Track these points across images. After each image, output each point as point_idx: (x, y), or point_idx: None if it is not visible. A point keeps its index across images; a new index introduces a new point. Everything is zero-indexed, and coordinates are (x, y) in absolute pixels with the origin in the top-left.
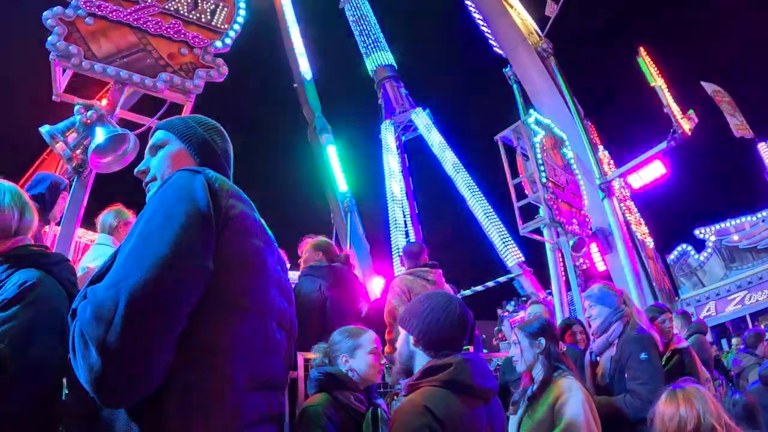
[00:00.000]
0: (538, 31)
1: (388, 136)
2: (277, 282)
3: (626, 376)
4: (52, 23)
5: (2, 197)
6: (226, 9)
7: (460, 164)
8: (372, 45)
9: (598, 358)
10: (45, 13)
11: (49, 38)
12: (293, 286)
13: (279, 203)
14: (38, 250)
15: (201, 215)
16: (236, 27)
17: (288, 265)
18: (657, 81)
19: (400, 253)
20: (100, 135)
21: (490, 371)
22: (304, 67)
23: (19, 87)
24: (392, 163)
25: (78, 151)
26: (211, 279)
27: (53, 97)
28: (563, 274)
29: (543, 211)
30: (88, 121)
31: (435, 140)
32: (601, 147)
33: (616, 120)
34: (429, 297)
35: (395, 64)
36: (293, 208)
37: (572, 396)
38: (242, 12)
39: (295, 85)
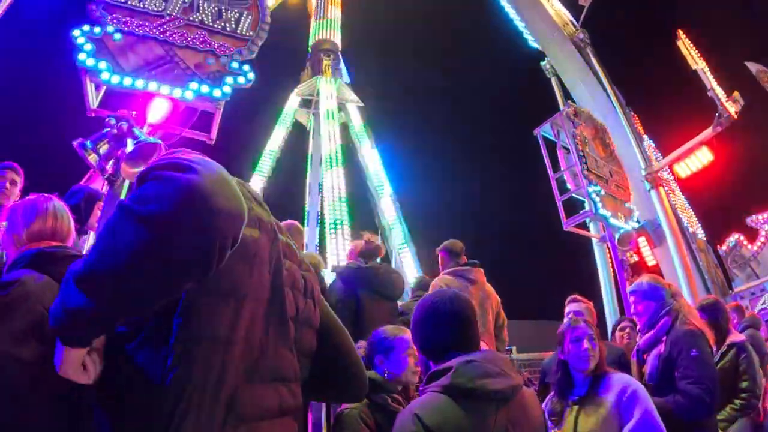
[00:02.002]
0: (573, 21)
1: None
2: (280, 272)
3: (676, 374)
4: (81, 41)
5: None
6: (250, 16)
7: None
8: None
9: (645, 356)
10: (74, 31)
11: (79, 55)
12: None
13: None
14: (41, 250)
15: None
16: (262, 34)
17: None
18: (699, 64)
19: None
20: (131, 146)
21: (507, 370)
22: (342, 72)
23: (65, 105)
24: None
25: (110, 162)
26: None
27: (87, 112)
28: (611, 269)
29: (587, 205)
30: (119, 133)
31: None
32: (645, 137)
33: (658, 108)
34: (420, 305)
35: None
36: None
37: (639, 388)
38: (267, 18)
39: None
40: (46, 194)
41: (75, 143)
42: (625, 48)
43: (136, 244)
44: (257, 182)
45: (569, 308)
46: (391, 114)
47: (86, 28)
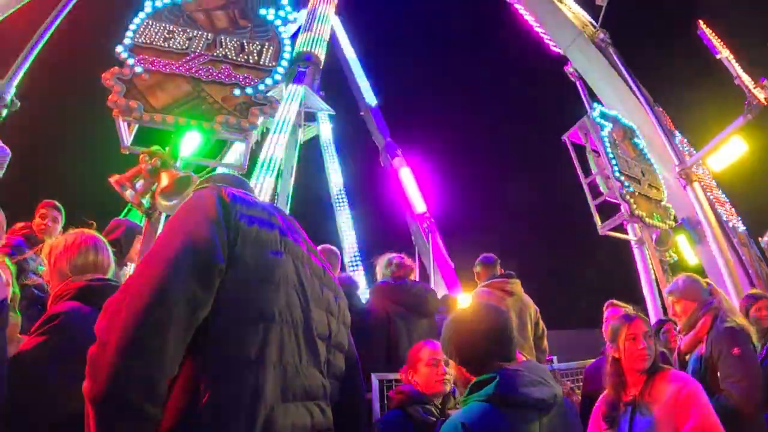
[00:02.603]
0: (593, 22)
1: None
2: (310, 294)
3: (718, 374)
4: (111, 83)
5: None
6: (272, 48)
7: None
8: None
9: (687, 358)
10: (103, 74)
11: (111, 96)
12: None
13: (358, 229)
14: (86, 284)
15: (216, 217)
16: (283, 63)
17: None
18: (723, 52)
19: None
20: (165, 179)
21: (548, 380)
22: (368, 94)
23: (102, 143)
24: None
25: (146, 197)
26: (235, 293)
27: (122, 150)
28: (651, 271)
29: (622, 207)
30: (153, 168)
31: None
32: (676, 132)
33: (686, 102)
34: (458, 319)
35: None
36: (373, 233)
37: (695, 387)
38: (287, 48)
39: (361, 113)
40: (86, 230)
41: (112, 179)
42: (647, 44)
43: None
44: None
45: (607, 314)
46: (414, 129)
47: (115, 70)
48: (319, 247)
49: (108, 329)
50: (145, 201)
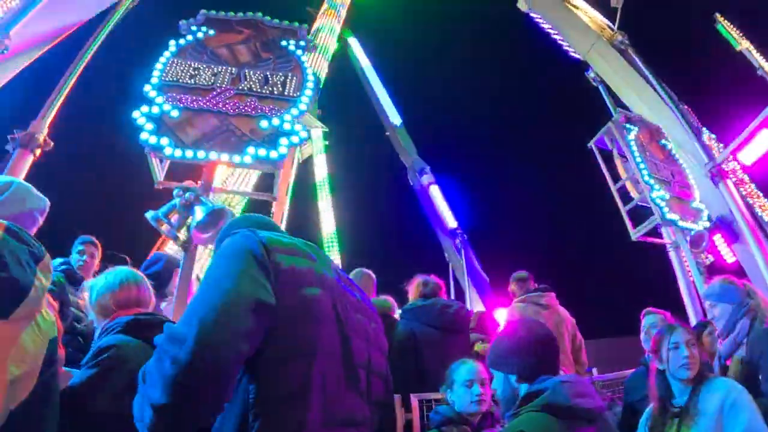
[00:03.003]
0: (610, 25)
1: None
2: (348, 324)
3: (760, 377)
4: (141, 121)
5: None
6: (295, 78)
7: None
8: None
9: (727, 362)
10: (133, 113)
11: (142, 135)
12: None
13: (392, 248)
14: (134, 317)
15: (256, 261)
16: (307, 92)
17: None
18: (742, 44)
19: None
20: (199, 213)
21: (593, 392)
22: (392, 114)
23: (134, 180)
24: None
25: (182, 230)
26: (278, 331)
27: (155, 185)
28: (688, 274)
29: (654, 211)
30: (187, 202)
31: None
32: (704, 129)
33: (710, 97)
34: (513, 332)
35: None
36: (407, 251)
37: (742, 393)
38: (310, 77)
39: (387, 134)
40: (125, 266)
41: (148, 215)
42: (666, 42)
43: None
44: None
45: (645, 321)
46: (440, 144)
47: (145, 108)
48: (354, 271)
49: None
50: (181, 235)
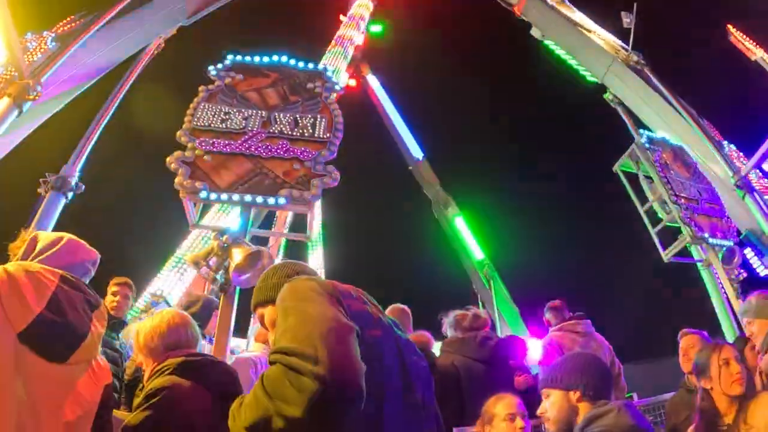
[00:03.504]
0: (624, 46)
1: None
2: (405, 362)
3: None
4: (176, 166)
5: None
6: (324, 120)
7: None
8: None
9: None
10: (168, 158)
11: (176, 179)
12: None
13: (420, 281)
14: (185, 359)
15: (335, 299)
16: (337, 134)
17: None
18: (757, 54)
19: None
20: (236, 255)
21: (641, 414)
22: (414, 148)
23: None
24: None
25: (220, 272)
26: None
27: (190, 228)
28: (724, 291)
29: (683, 230)
30: (224, 245)
31: None
32: (725, 143)
33: (729, 109)
34: (576, 354)
35: None
36: (435, 283)
37: None
38: (340, 119)
39: (410, 168)
40: (170, 308)
41: (186, 258)
42: (680, 57)
43: None
44: None
45: (682, 343)
46: (463, 176)
47: (178, 153)
48: (390, 307)
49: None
50: (219, 276)
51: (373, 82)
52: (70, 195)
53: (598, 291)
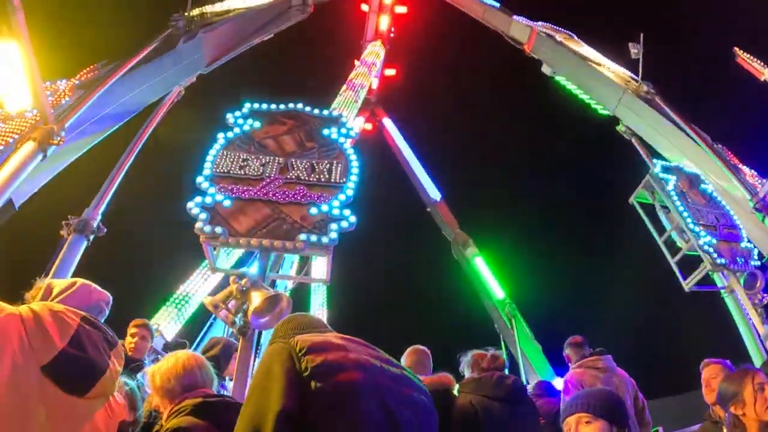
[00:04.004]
0: (633, 76)
1: None
2: (392, 400)
3: None
4: (195, 211)
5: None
6: (340, 165)
7: None
8: None
9: None
10: (188, 204)
11: (196, 224)
12: None
13: (441, 322)
14: (203, 400)
15: (285, 372)
16: (353, 178)
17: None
18: (765, 74)
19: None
20: (255, 299)
21: None
22: (432, 190)
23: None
24: None
25: (239, 316)
26: (324, 423)
27: (210, 272)
28: (748, 318)
29: (703, 258)
30: (243, 288)
31: None
32: (741, 166)
33: (744, 133)
34: (603, 388)
35: None
36: (457, 324)
37: None
38: (355, 164)
39: (428, 210)
40: (186, 350)
41: (206, 302)
42: (691, 85)
43: None
44: None
45: (705, 374)
46: (481, 215)
47: (198, 199)
48: (409, 349)
49: None
50: (238, 320)
51: (389, 124)
52: (91, 237)
53: (621, 325)
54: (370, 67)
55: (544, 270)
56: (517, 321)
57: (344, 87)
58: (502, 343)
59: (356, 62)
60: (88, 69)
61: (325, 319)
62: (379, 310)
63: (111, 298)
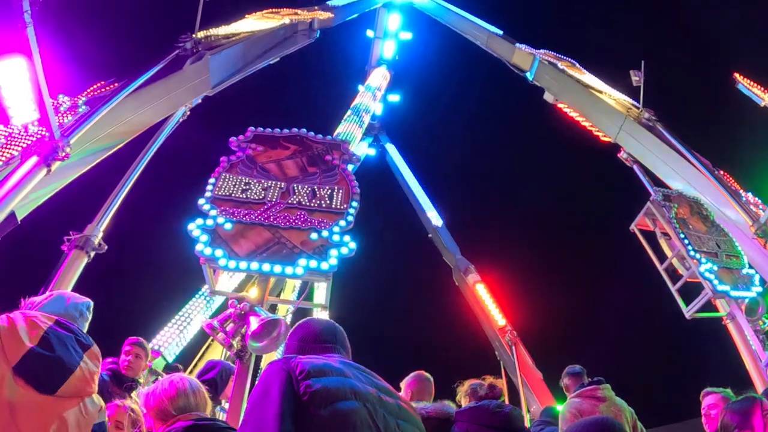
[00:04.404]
0: (635, 103)
1: None
2: (382, 430)
3: None
4: (196, 233)
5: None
6: (341, 191)
7: None
8: None
9: None
10: (189, 225)
11: (197, 246)
12: None
13: (442, 348)
14: (194, 423)
15: (282, 393)
16: (354, 204)
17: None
18: (766, 99)
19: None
20: (253, 323)
21: None
22: (433, 216)
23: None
24: None
25: (237, 339)
26: None
27: (209, 294)
28: (751, 345)
29: (704, 285)
30: (242, 312)
31: None
32: (742, 192)
33: (745, 158)
34: (603, 417)
35: None
36: (457, 351)
37: None
38: (356, 190)
39: (429, 236)
40: (180, 374)
41: (204, 325)
42: (691, 111)
43: None
44: None
45: (705, 402)
46: (482, 241)
47: (200, 221)
48: (412, 374)
49: None
50: (236, 343)
51: (392, 150)
52: (92, 254)
53: (621, 353)
54: (375, 92)
55: (545, 296)
56: (517, 348)
57: (348, 112)
58: (502, 370)
59: (360, 87)
60: (95, 87)
61: None
62: (379, 335)
63: (91, 302)
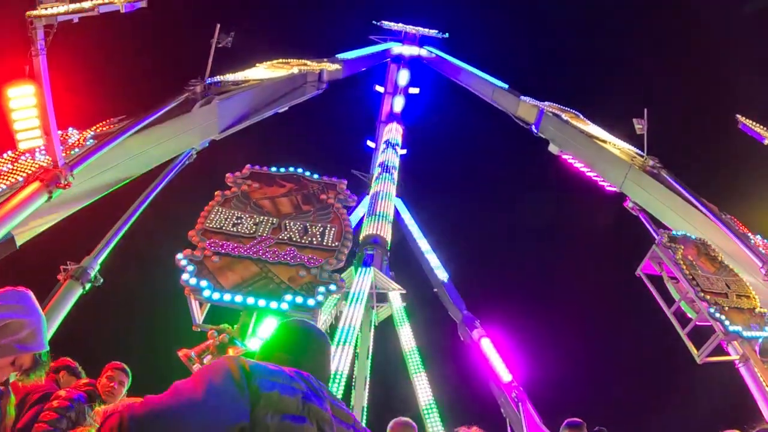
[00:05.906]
0: (639, 152)
1: None
2: None
3: None
4: (184, 263)
5: None
6: (334, 229)
7: None
8: None
9: None
10: (178, 255)
11: (183, 276)
12: None
13: (446, 404)
14: None
15: (233, 381)
16: (346, 243)
17: None
18: None
19: None
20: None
21: None
22: (440, 271)
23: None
24: None
25: None
26: None
27: (193, 327)
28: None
29: (715, 327)
30: (221, 344)
31: None
32: (751, 235)
33: (750, 200)
34: None
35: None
36: (462, 407)
37: None
38: (350, 229)
39: (435, 290)
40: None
41: (180, 354)
42: (695, 157)
43: None
44: None
45: None
46: (488, 296)
47: (188, 252)
48: (393, 421)
49: None
50: None
51: (399, 205)
52: (87, 286)
53: (633, 402)
54: (396, 149)
55: (552, 348)
56: (524, 405)
57: (378, 170)
58: (508, 426)
59: (369, 142)
60: (104, 122)
61: None
62: (382, 387)
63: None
